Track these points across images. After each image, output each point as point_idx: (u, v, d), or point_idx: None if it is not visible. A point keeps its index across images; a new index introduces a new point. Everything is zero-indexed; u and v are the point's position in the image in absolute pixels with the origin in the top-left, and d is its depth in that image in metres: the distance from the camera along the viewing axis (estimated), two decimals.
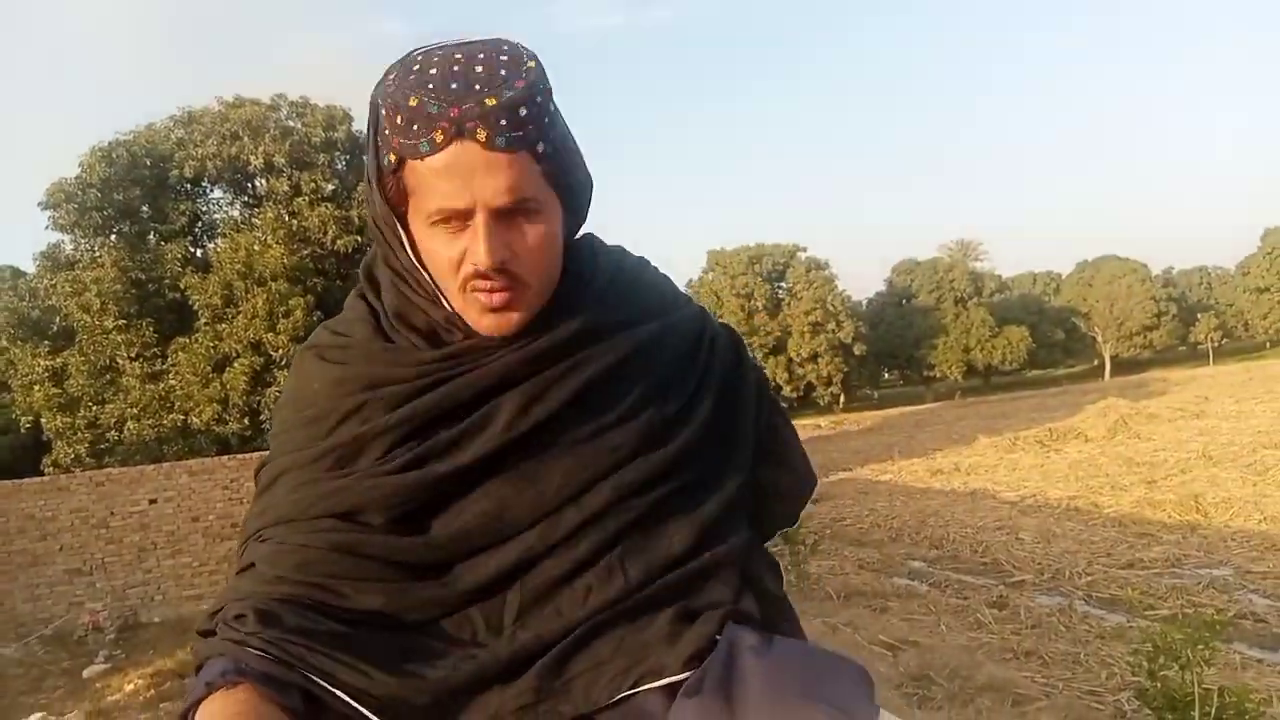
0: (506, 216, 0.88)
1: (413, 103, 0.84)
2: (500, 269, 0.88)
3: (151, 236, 16.90)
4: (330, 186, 16.99)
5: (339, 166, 17.53)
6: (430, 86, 0.85)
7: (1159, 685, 3.61)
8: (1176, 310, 59.96)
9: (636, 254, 1.10)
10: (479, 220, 0.87)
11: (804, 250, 46.73)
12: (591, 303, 0.97)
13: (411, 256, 0.93)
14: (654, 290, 1.07)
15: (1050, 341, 57.23)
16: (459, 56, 0.87)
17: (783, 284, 46.27)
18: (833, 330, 43.66)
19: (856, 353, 45.31)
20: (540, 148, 0.87)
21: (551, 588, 0.92)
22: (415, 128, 0.84)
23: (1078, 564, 7.44)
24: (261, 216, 16.85)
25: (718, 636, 0.89)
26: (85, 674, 7.93)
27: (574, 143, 0.94)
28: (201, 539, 10.60)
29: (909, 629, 5.94)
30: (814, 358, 43.35)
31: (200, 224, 17.81)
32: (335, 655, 0.86)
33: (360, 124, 17.81)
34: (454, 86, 0.84)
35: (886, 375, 58.84)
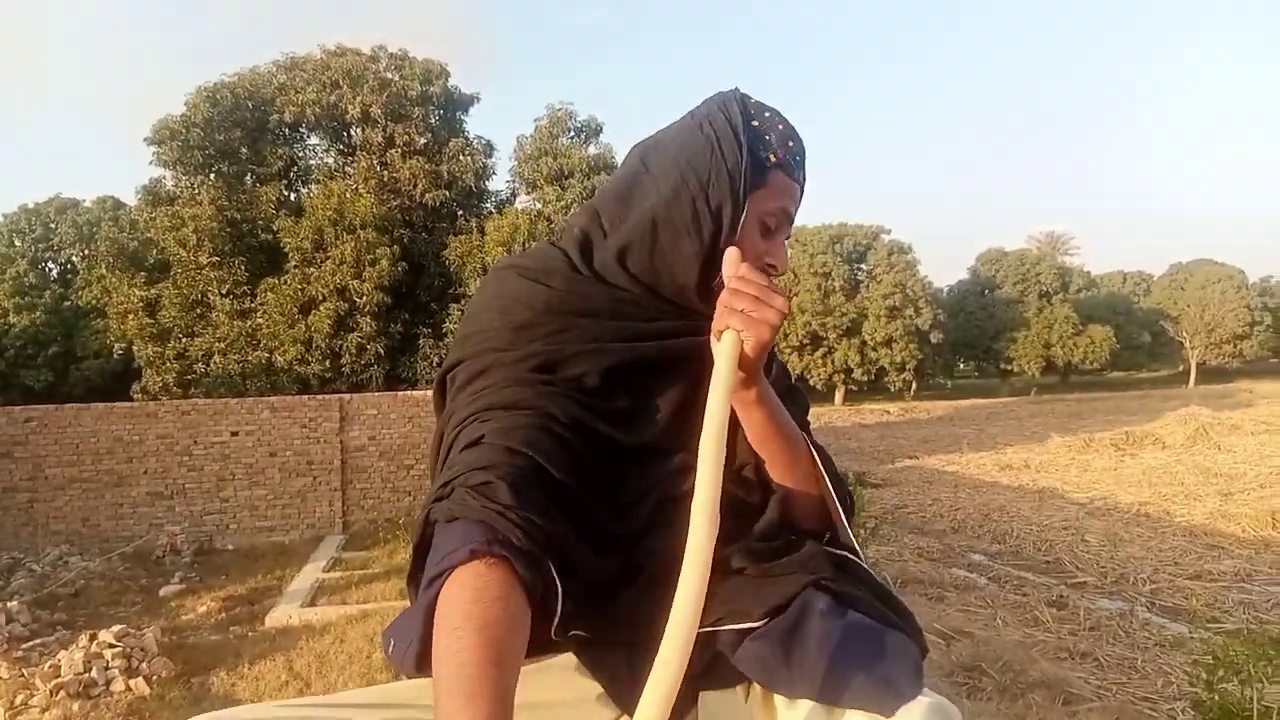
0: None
1: (792, 142, 1.07)
2: (771, 274, 1.06)
3: (248, 178, 17.35)
4: (423, 140, 17.24)
5: (433, 121, 17.73)
6: (796, 135, 1.09)
7: (1216, 698, 3.58)
8: (1271, 320, 57.62)
9: None
10: (784, 237, 1.09)
11: (887, 232, 45.93)
12: None
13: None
14: None
15: (1135, 343, 55.52)
16: (753, 100, 1.10)
17: (863, 266, 45.59)
18: (910, 316, 42.94)
19: (933, 340, 44.50)
20: (803, 187, 1.12)
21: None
22: (798, 157, 1.08)
23: (1143, 570, 7.32)
24: (355, 165, 17.19)
25: (796, 596, 0.99)
26: (161, 592, 8.27)
27: None
28: (278, 473, 10.96)
29: (964, 620, 5.93)
30: (889, 342, 42.73)
31: (296, 169, 18.21)
32: (569, 541, 0.95)
33: (455, 80, 18.11)
34: (803, 148, 1.10)
35: (962, 365, 57.71)
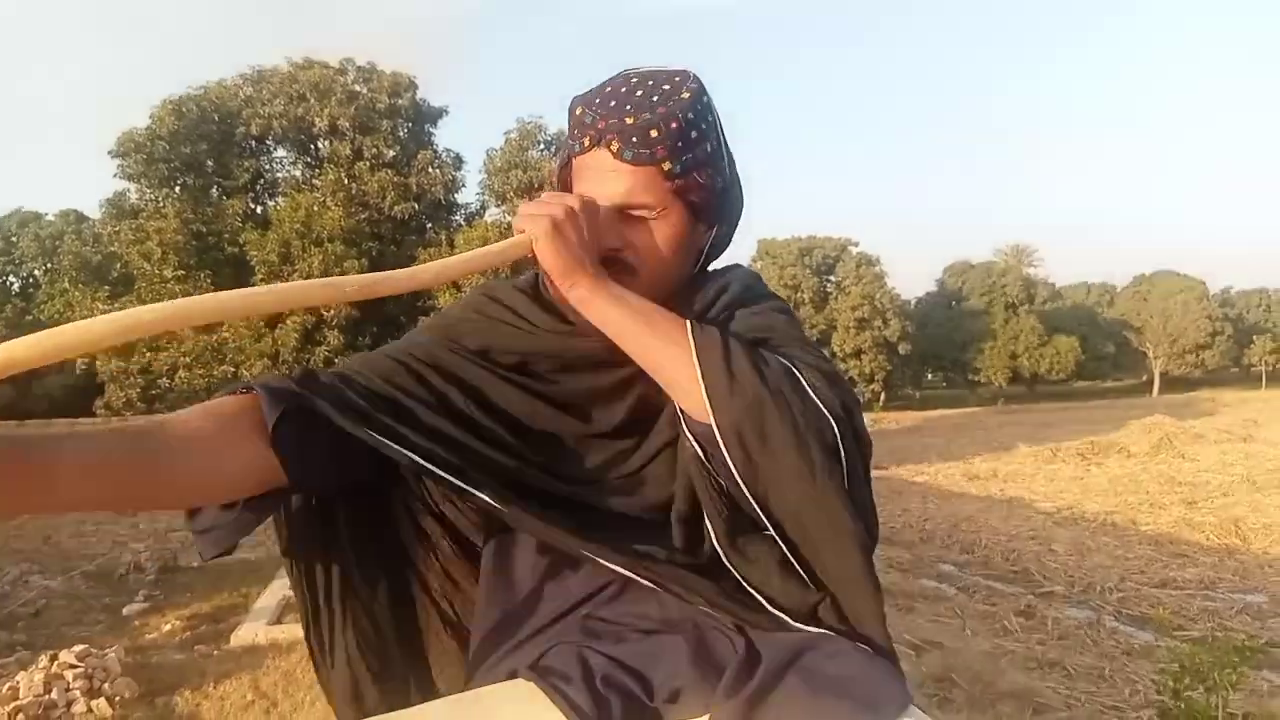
0: (628, 216, 1.04)
1: (579, 111, 1.04)
2: (612, 256, 1.04)
3: (214, 191, 17.25)
4: (391, 153, 17.21)
5: (401, 133, 17.71)
6: (596, 101, 1.03)
7: (1183, 706, 3.61)
8: (1232, 331, 58.66)
9: (784, 310, 1.18)
10: (606, 216, 1.04)
11: (855, 245, 46.38)
12: (687, 314, 1.05)
13: None
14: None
15: (1100, 354, 56.30)
16: (633, 80, 1.05)
17: (831, 277, 45.94)
18: (879, 327, 43.34)
19: (901, 352, 44.93)
20: (667, 165, 1.01)
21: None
22: (576, 132, 1.04)
23: (1110, 579, 7.36)
24: (322, 178, 17.12)
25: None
26: (125, 611, 8.11)
27: (720, 169, 1.07)
28: None
29: (934, 630, 5.94)
30: (858, 354, 43.09)
31: (262, 181, 18.14)
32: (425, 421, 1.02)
33: (423, 92, 18.08)
34: (611, 104, 1.02)
35: (930, 376, 58.30)
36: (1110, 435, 18.31)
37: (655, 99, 1.01)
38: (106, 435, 0.82)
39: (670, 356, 0.98)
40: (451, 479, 0.97)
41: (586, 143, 1.03)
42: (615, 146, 1.01)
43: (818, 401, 0.97)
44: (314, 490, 1.00)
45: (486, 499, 0.97)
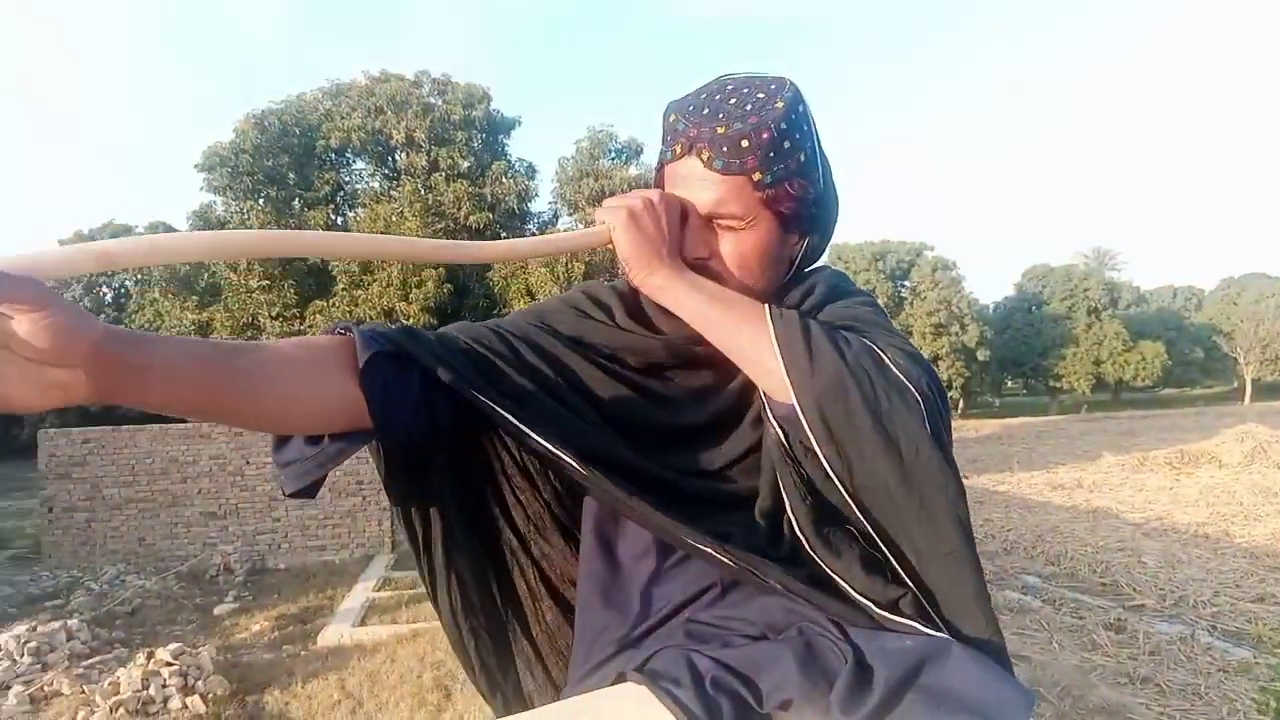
0: (717, 225, 1.06)
1: (672, 118, 1.06)
2: (699, 264, 1.06)
3: (296, 203, 17.68)
4: (466, 164, 17.46)
5: (475, 144, 17.96)
6: (690, 108, 1.04)
7: None
8: None
9: (870, 303, 1.17)
10: (700, 222, 1.05)
11: (930, 249, 45.54)
12: None
13: None
14: None
15: (1187, 360, 54.46)
16: (728, 87, 1.05)
17: (906, 283, 45.24)
18: (956, 333, 42.49)
19: (980, 358, 43.97)
20: (757, 176, 1.01)
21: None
22: (669, 138, 1.06)
23: (1203, 593, 7.14)
24: (400, 189, 17.46)
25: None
26: (216, 611, 8.38)
27: (813, 179, 1.07)
28: (328, 493, 11.06)
29: (1020, 644, 5.83)
30: (935, 360, 42.25)
31: (342, 193, 18.54)
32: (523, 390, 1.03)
33: (497, 103, 18.32)
34: (704, 112, 1.03)
35: (1010, 383, 56.93)
36: (1200, 444, 17.75)
37: (748, 108, 1.02)
38: (203, 344, 0.84)
39: (750, 337, 0.99)
40: (540, 440, 0.97)
41: (678, 150, 1.05)
42: (706, 155, 1.02)
43: (901, 376, 0.96)
44: (395, 438, 0.98)
45: (573, 464, 0.98)
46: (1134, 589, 7.42)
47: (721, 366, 1.07)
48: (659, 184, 1.10)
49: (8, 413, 0.66)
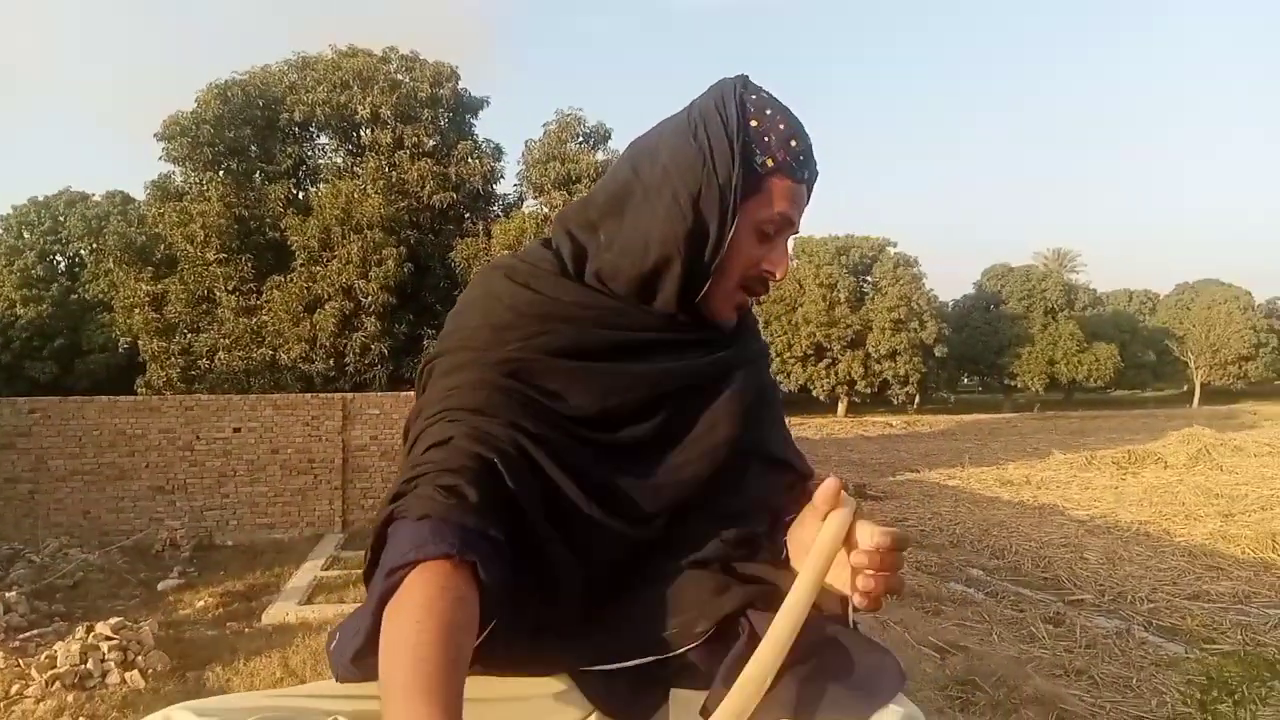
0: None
1: (794, 143, 1.02)
2: (762, 276, 1.08)
3: (257, 176, 17.44)
4: (432, 142, 17.31)
5: (442, 123, 17.80)
6: (778, 116, 1.04)
7: (1209, 718, 3.58)
8: (1277, 342, 57.52)
9: None
10: (787, 242, 1.08)
11: (894, 245, 45.92)
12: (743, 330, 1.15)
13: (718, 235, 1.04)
14: (755, 321, 1.24)
15: (1140, 362, 55.47)
16: (779, 101, 1.06)
17: (868, 278, 45.56)
18: (915, 329, 42.89)
19: (937, 354, 44.48)
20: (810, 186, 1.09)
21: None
22: (801, 157, 1.03)
23: (1141, 589, 7.30)
24: (363, 166, 17.27)
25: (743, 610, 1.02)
26: (160, 587, 8.28)
27: None
28: (279, 470, 10.96)
29: (960, 634, 5.93)
30: (893, 355, 42.68)
31: (304, 168, 18.30)
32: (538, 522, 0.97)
33: (465, 83, 18.14)
34: (791, 121, 1.04)
35: (965, 380, 57.66)
36: (1147, 445, 18.07)
37: (782, 119, 1.04)
38: (451, 690, 0.75)
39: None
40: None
41: (805, 173, 1.05)
42: (809, 189, 1.07)
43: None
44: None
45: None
46: (1075, 584, 7.57)
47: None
48: (743, 186, 1.01)
49: None
